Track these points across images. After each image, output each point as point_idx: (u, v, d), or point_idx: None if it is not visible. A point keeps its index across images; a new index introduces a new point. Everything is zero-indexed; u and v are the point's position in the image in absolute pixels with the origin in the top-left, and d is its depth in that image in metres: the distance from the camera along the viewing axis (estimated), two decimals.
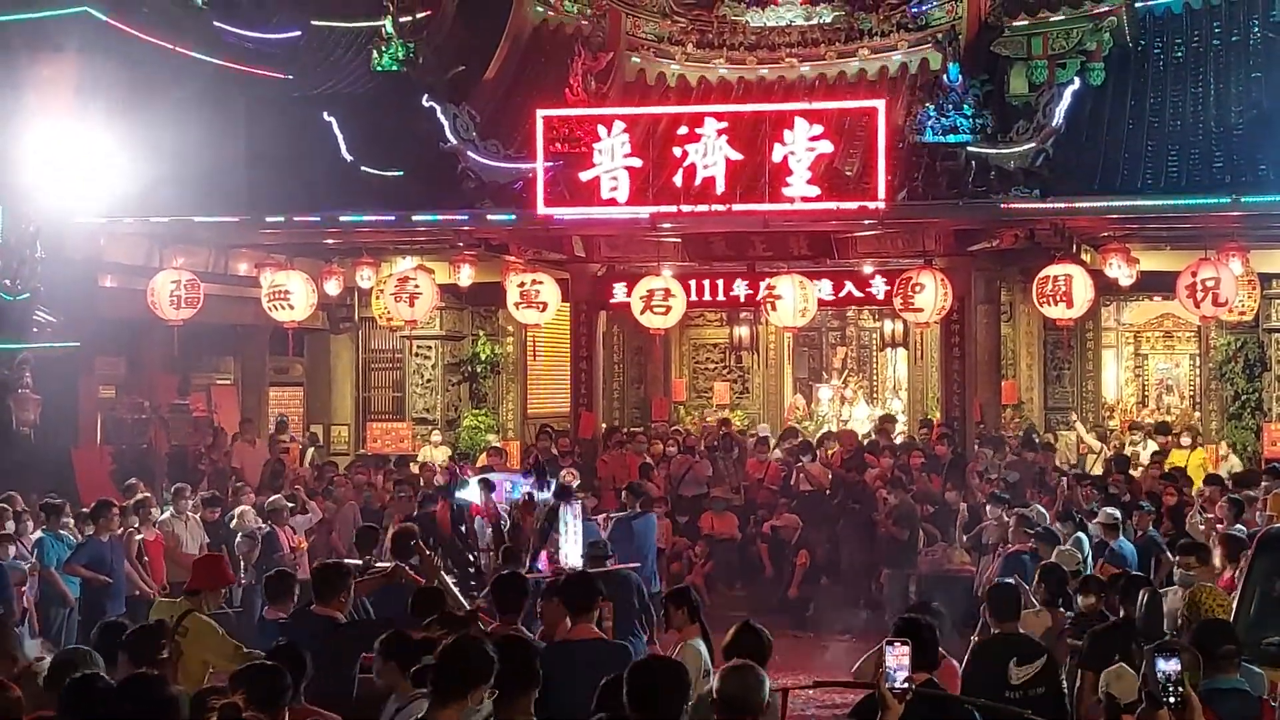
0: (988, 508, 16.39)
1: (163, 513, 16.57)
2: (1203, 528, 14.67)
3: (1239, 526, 13.57)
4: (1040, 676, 8.75)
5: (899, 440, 21.18)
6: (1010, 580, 10.85)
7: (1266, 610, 10.34)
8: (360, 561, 12.44)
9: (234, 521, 16.69)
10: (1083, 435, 21.97)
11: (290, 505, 17.06)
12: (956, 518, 17.57)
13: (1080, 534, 14.14)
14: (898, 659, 5.68)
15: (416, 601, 9.17)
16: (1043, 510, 15.49)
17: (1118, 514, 14.37)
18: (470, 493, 17.09)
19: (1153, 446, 20.57)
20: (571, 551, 14.06)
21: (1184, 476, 17.93)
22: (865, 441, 20.78)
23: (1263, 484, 15.90)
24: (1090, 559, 13.46)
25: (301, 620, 9.34)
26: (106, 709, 5.54)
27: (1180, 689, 5.47)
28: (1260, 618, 10.22)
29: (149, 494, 16.73)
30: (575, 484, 17.09)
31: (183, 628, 9.23)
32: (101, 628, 8.20)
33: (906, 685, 5.64)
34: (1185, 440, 20.88)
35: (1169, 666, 5.49)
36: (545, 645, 8.39)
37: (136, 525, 15.70)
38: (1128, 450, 20.55)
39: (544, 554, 14.48)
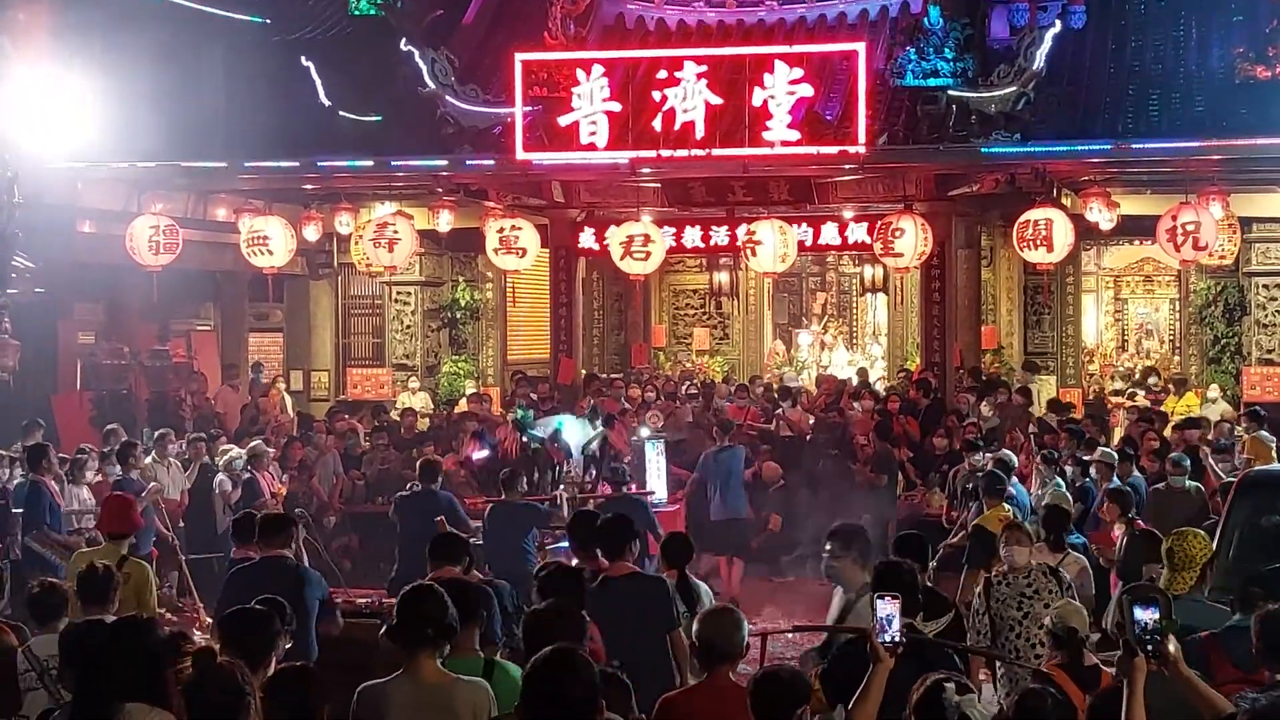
0: (964, 454, 16.42)
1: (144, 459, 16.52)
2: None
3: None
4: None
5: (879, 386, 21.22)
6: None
7: (1244, 552, 10.43)
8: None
9: (220, 463, 16.64)
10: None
11: (271, 450, 17.05)
12: (936, 463, 17.62)
13: (1059, 479, 14.18)
14: (889, 611, 5.55)
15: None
16: (1013, 455, 15.55)
17: (1114, 454, 14.39)
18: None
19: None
20: (658, 488, 16.76)
21: (1164, 421, 18.00)
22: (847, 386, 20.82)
23: (1241, 427, 15.99)
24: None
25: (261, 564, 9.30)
26: (102, 652, 5.52)
27: (1158, 638, 5.29)
28: (1238, 559, 10.31)
29: (125, 440, 16.61)
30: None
31: (124, 573, 9.19)
32: None
33: (900, 639, 5.55)
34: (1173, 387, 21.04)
35: (1147, 615, 5.27)
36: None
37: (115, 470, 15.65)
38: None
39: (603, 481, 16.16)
